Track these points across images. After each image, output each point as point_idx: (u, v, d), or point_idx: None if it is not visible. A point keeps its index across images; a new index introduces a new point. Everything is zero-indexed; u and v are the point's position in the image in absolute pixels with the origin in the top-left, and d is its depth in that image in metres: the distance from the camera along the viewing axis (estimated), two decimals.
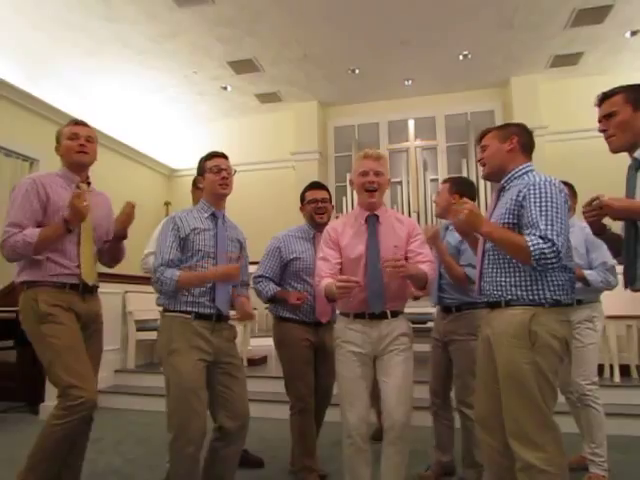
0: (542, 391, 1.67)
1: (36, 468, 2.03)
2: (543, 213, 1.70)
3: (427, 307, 5.64)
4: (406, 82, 8.34)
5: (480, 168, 2.02)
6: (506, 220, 1.80)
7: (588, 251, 2.68)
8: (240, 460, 2.67)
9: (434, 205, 3.03)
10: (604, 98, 1.84)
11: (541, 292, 1.74)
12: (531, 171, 1.88)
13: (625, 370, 3.97)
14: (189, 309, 2.10)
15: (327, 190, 2.81)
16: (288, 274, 2.69)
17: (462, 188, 2.68)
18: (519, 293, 1.76)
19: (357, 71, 7.88)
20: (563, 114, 8.02)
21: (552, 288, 1.74)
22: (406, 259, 2.13)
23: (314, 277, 2.27)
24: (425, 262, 2.15)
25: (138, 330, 5.10)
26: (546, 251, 1.64)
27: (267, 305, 2.87)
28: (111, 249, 2.39)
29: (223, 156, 2.30)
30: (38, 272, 2.10)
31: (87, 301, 2.21)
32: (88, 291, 2.22)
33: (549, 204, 1.71)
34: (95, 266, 2.30)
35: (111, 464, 3.02)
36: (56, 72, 7.25)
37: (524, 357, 1.68)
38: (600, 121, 1.84)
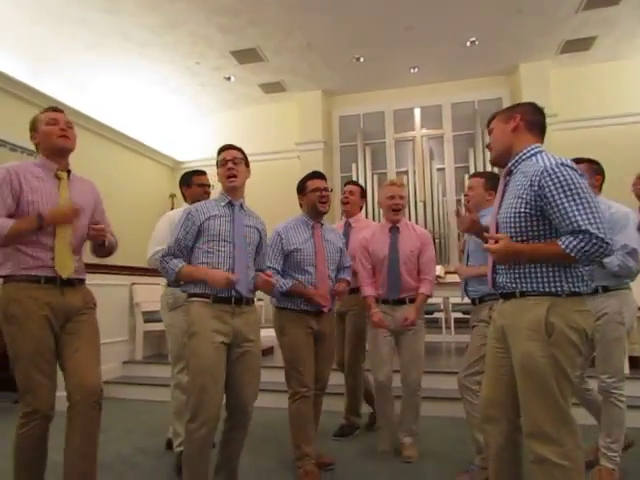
0: (560, 385, 1.59)
1: None
2: (571, 202, 1.57)
3: (433, 298, 5.60)
4: (412, 70, 8.25)
5: (487, 158, 2.01)
6: (522, 210, 1.67)
7: (612, 231, 2.50)
8: None
9: (463, 198, 3.01)
10: None
11: (558, 284, 1.64)
12: (540, 152, 1.74)
13: (634, 362, 3.93)
14: (208, 292, 2.15)
15: (326, 180, 2.85)
16: (289, 265, 2.69)
17: (496, 184, 2.67)
18: (535, 285, 1.67)
19: (362, 59, 7.80)
20: (574, 102, 7.90)
21: (570, 280, 1.65)
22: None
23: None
24: (425, 279, 2.93)
25: (145, 322, 5.11)
26: (586, 247, 1.54)
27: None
28: (98, 248, 2.27)
29: (230, 147, 2.36)
30: (12, 266, 2.02)
31: (67, 295, 2.08)
32: (68, 284, 2.09)
33: (573, 190, 1.58)
34: (74, 258, 2.13)
35: (120, 453, 3.04)
36: (58, 66, 7.24)
37: (540, 350, 1.60)
38: None
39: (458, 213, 2.23)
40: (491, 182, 2.67)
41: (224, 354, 2.13)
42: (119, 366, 4.91)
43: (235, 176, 2.29)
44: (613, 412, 2.50)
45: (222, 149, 2.37)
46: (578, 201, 1.57)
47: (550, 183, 1.61)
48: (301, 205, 2.83)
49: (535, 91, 7.84)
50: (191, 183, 3.09)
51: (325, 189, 2.74)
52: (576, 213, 1.56)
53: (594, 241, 1.53)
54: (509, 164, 1.81)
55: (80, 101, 7.48)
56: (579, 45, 7.46)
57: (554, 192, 1.60)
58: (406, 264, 2.90)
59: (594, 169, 2.68)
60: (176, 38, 6.89)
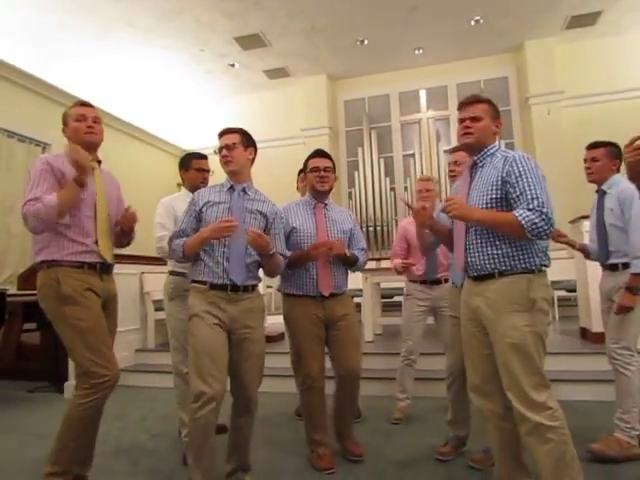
0: (538, 352, 1.79)
1: (66, 448, 2.08)
2: (531, 186, 1.79)
3: (398, 282, 5.41)
4: (416, 51, 8.14)
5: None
6: (493, 195, 1.87)
7: (622, 211, 2.53)
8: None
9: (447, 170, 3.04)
10: None
11: (532, 259, 1.84)
12: (499, 149, 1.98)
13: None
14: (205, 279, 2.19)
15: (330, 159, 2.74)
16: (290, 246, 2.59)
17: None
18: (512, 262, 1.84)
19: (366, 42, 7.70)
20: (580, 77, 7.77)
21: (539, 254, 1.86)
22: None
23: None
24: None
25: (156, 310, 5.16)
26: (537, 221, 1.73)
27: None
28: (119, 236, 2.43)
29: (226, 132, 2.32)
30: (57, 251, 2.13)
31: (105, 281, 2.25)
32: (105, 271, 2.26)
33: (532, 177, 1.81)
34: (112, 243, 2.33)
35: (135, 440, 3.09)
36: (62, 54, 7.23)
37: (524, 320, 1.79)
38: None
39: (411, 207, 2.25)
40: None
41: (222, 335, 2.14)
42: (132, 354, 4.98)
43: (230, 161, 2.27)
44: (620, 380, 2.51)
45: (219, 135, 2.33)
46: (536, 186, 1.79)
47: (515, 169, 1.83)
48: (306, 184, 2.78)
49: (541, 68, 7.74)
50: (189, 166, 3.01)
51: (325, 169, 2.66)
52: (533, 194, 1.78)
53: (543, 217, 1.74)
54: (475, 158, 2.01)
55: (84, 89, 7.46)
56: (584, 20, 7.31)
57: (517, 176, 1.82)
58: (441, 247, 3.01)
59: (612, 153, 2.66)
60: (181, 24, 6.84)
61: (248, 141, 2.33)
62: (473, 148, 2.01)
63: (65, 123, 2.30)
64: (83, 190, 2.14)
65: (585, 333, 4.50)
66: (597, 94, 7.63)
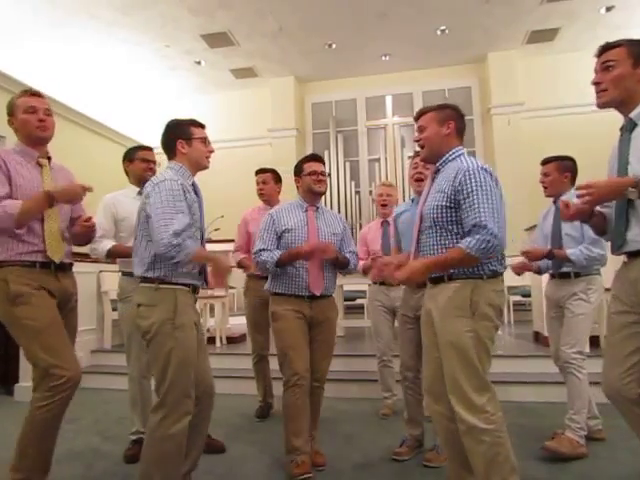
0: (480, 356, 1.81)
1: (26, 454, 1.99)
2: (481, 201, 1.80)
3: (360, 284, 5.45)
4: (383, 57, 8.26)
5: None
6: (442, 203, 1.89)
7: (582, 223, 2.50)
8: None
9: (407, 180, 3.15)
10: (605, 49, 1.75)
11: (480, 267, 1.86)
12: (462, 155, 1.98)
13: (595, 341, 4.11)
14: (188, 281, 2.11)
15: (324, 163, 2.83)
16: (281, 247, 2.61)
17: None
18: (460, 270, 1.86)
19: (334, 46, 7.76)
20: (539, 91, 8.08)
21: (487, 261, 1.86)
22: None
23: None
24: None
25: (114, 310, 5.02)
26: (482, 245, 1.75)
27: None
28: (77, 236, 2.30)
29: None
30: (4, 251, 2.02)
31: (61, 280, 2.14)
32: (61, 269, 2.15)
33: (484, 191, 1.81)
34: (63, 242, 2.18)
35: (89, 443, 3.00)
36: (20, 43, 6.95)
37: (465, 326, 1.82)
38: (596, 72, 1.77)
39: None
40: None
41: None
42: (87, 355, 4.82)
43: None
44: (572, 382, 2.61)
45: (200, 125, 2.32)
46: (486, 201, 1.81)
47: (469, 182, 1.84)
48: (298, 188, 2.80)
49: (502, 80, 8.01)
50: (134, 157, 2.89)
51: (322, 173, 2.72)
52: (482, 210, 1.80)
53: (488, 238, 1.76)
54: (437, 164, 2.03)
55: (41, 80, 7.18)
56: (544, 36, 7.63)
57: (470, 189, 1.83)
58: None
59: (563, 166, 2.75)
60: (146, 19, 6.70)
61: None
62: (429, 159, 2.08)
63: (12, 114, 2.12)
64: (29, 189, 2.03)
65: (538, 337, 4.67)
66: (553, 107, 7.95)
